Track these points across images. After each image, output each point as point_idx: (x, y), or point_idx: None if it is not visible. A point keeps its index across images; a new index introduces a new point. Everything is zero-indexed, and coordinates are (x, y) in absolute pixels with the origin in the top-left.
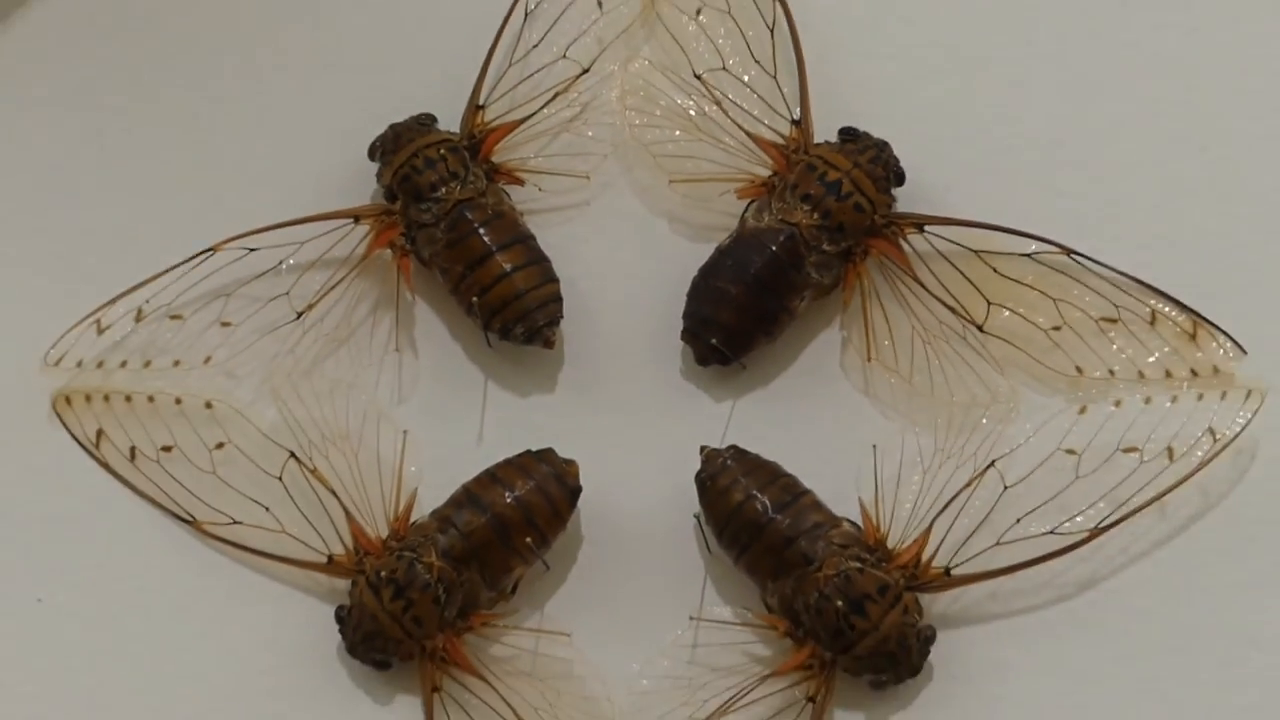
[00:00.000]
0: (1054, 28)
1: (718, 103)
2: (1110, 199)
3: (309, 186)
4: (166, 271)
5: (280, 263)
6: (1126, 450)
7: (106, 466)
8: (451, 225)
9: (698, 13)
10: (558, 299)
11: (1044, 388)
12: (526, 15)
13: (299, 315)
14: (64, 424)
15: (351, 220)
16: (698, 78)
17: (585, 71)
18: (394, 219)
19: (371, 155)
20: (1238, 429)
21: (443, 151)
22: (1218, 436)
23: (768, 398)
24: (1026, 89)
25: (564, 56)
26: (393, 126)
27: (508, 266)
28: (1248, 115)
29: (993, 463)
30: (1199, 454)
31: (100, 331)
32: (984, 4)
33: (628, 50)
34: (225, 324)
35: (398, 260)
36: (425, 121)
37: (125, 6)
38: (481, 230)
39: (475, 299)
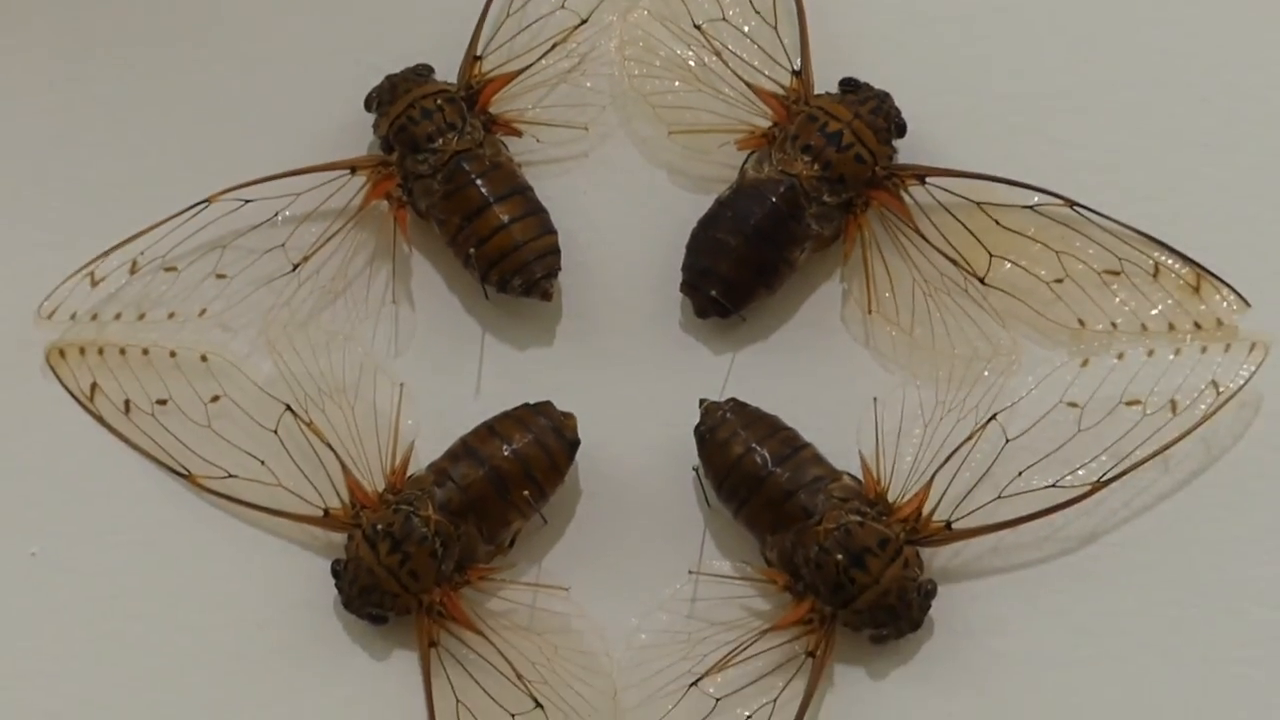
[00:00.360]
0: None
1: (717, 53)
2: (1113, 150)
3: (305, 138)
4: (161, 223)
5: (276, 214)
6: (1129, 403)
7: (101, 420)
8: (449, 176)
9: None
10: (556, 251)
11: (1046, 340)
12: None
13: (295, 267)
14: (58, 377)
15: (348, 171)
16: (697, 28)
17: (584, 22)
18: (390, 170)
19: (368, 106)
20: (1241, 382)
21: (440, 102)
22: (1221, 389)
23: (767, 350)
24: (1029, 40)
25: (562, 6)
26: (389, 77)
27: (505, 218)
28: (1251, 66)
29: (994, 416)
30: (1202, 407)
31: (94, 284)
32: None
33: (627, 0)
34: (220, 276)
35: (394, 212)
36: (422, 72)
37: None
38: (479, 181)
39: (472, 250)
